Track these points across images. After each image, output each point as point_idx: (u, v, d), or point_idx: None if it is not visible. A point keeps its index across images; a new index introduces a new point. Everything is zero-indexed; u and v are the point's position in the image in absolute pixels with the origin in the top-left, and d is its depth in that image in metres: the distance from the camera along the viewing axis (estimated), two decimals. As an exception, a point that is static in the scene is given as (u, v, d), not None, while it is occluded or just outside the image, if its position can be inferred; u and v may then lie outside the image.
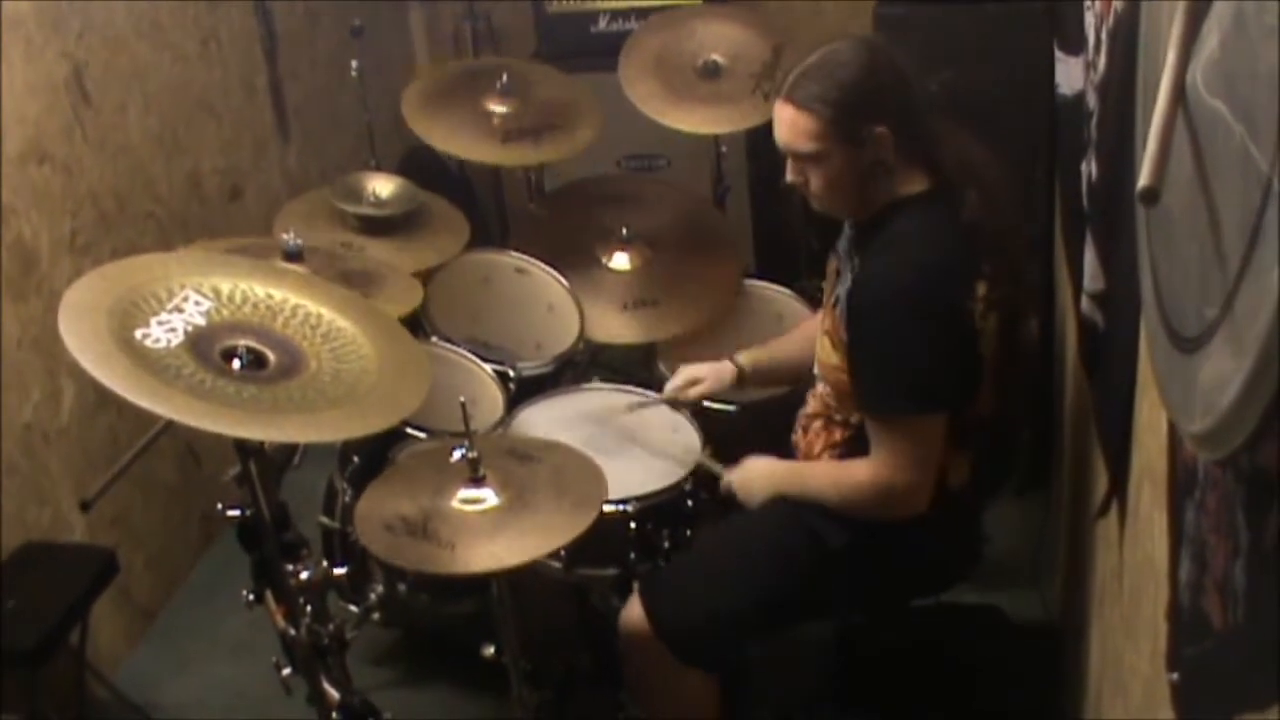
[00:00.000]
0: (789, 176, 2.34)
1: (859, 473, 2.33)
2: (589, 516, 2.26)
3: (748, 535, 2.54)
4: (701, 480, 2.74)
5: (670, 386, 2.87)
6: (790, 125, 2.26)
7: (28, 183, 2.98)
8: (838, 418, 2.45)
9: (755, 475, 2.55)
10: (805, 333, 2.75)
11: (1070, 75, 2.81)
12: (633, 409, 2.93)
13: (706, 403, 2.87)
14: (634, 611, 2.50)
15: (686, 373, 2.85)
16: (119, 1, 3.32)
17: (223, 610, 3.43)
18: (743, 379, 2.80)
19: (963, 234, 2.24)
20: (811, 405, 2.54)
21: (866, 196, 2.31)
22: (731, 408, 2.92)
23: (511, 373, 3.09)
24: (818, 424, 2.50)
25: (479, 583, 2.49)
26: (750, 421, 2.87)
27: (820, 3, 4.50)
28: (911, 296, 2.22)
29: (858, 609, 2.75)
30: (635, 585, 2.58)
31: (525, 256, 3.29)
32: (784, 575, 2.47)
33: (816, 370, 2.51)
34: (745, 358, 2.81)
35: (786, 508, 2.47)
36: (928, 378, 2.24)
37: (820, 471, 2.45)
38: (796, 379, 2.71)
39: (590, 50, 4.19)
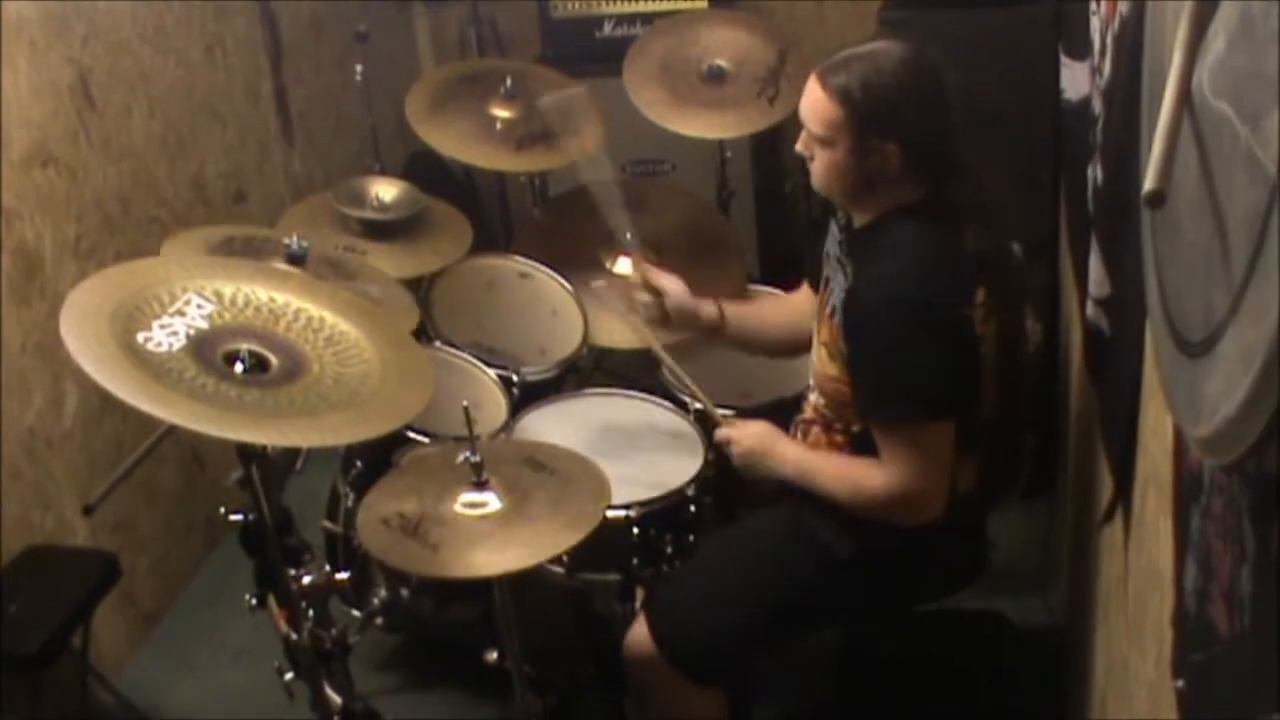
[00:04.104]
0: (798, 145, 2.32)
1: (873, 479, 2.29)
2: (577, 536, 2.23)
3: (751, 549, 2.53)
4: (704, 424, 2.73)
5: (649, 269, 2.77)
6: (812, 102, 2.25)
7: (32, 186, 2.98)
8: (837, 425, 2.44)
9: (764, 447, 2.47)
10: (787, 307, 2.75)
11: (1075, 80, 2.81)
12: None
13: (703, 408, 2.83)
14: (640, 633, 2.49)
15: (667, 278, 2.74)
16: (124, 6, 3.33)
17: (225, 615, 3.43)
18: (722, 322, 2.69)
19: (961, 241, 2.24)
20: (807, 412, 2.53)
21: (861, 196, 2.30)
22: (730, 412, 2.92)
23: (515, 377, 3.09)
24: (816, 429, 2.48)
25: (482, 588, 2.49)
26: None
27: (824, 8, 4.50)
28: (911, 304, 2.20)
29: (863, 617, 2.74)
30: (639, 606, 2.57)
31: (529, 261, 3.29)
32: (790, 589, 2.45)
33: (811, 380, 2.49)
34: (729, 307, 2.73)
35: (788, 519, 2.46)
36: (932, 385, 2.23)
37: (834, 470, 2.39)
38: (763, 349, 2.77)
39: (595, 55, 4.20)
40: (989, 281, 2.24)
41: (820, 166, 2.29)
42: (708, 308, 2.70)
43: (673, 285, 2.70)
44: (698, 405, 2.77)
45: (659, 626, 2.46)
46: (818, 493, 2.37)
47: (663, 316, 2.71)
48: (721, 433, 2.57)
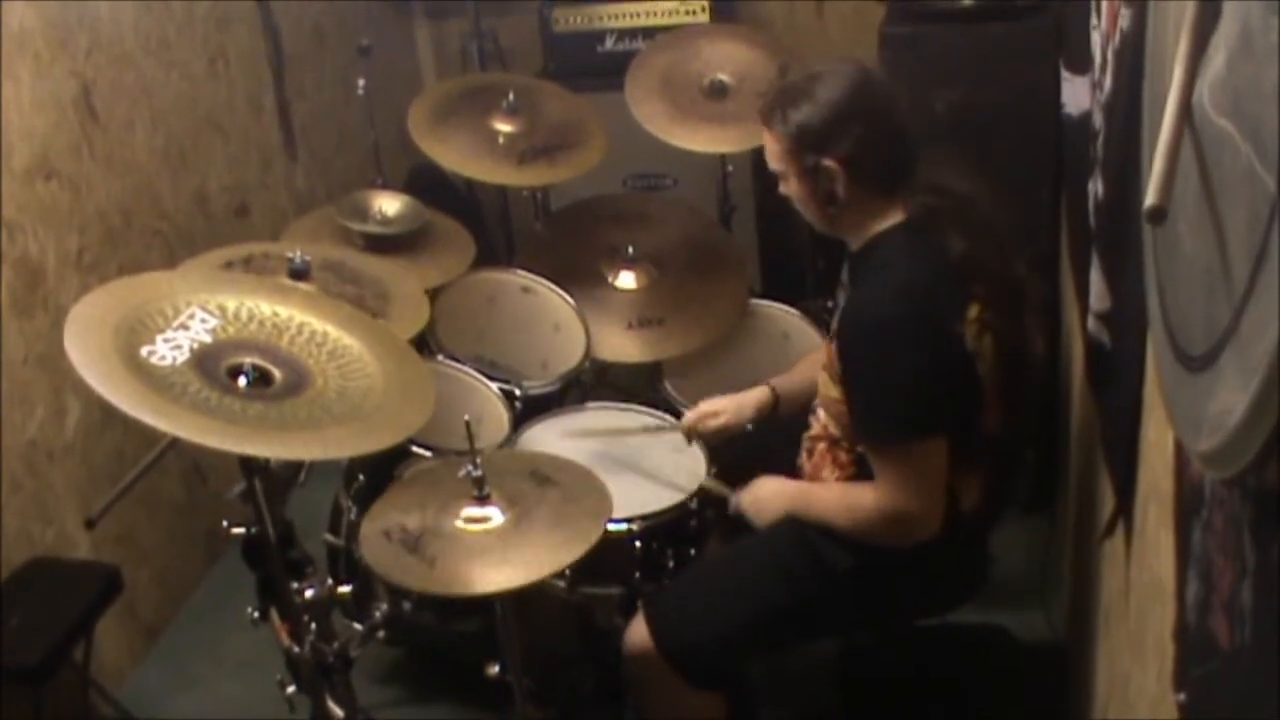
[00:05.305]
0: (780, 188, 2.38)
1: (866, 500, 2.30)
2: (579, 550, 2.23)
3: (751, 555, 2.53)
4: (708, 501, 2.72)
5: (689, 417, 2.82)
6: (765, 141, 2.35)
7: (35, 199, 2.99)
8: (843, 443, 2.45)
9: (766, 495, 2.53)
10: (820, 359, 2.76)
11: (1076, 95, 2.81)
12: (649, 431, 2.91)
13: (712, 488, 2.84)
14: (638, 632, 2.49)
15: (706, 405, 2.80)
16: (127, 19, 3.34)
17: (227, 628, 3.42)
18: (777, 405, 2.76)
19: (948, 258, 2.24)
20: (815, 428, 2.54)
21: (834, 220, 2.34)
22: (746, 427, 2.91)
23: (517, 391, 3.09)
24: (822, 446, 2.49)
25: (484, 601, 2.48)
26: (755, 443, 2.86)
27: (826, 22, 4.52)
28: (895, 324, 2.22)
29: (863, 629, 2.74)
30: (639, 606, 2.57)
31: (531, 275, 3.29)
32: (788, 595, 2.45)
33: (818, 401, 2.51)
34: (779, 382, 2.79)
35: (791, 527, 2.46)
36: (919, 403, 2.24)
37: (829, 496, 2.42)
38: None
39: (597, 69, 4.21)
40: (982, 297, 2.25)
41: (793, 199, 2.36)
42: (761, 396, 2.77)
43: (723, 406, 2.77)
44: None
45: (657, 625, 2.47)
46: (818, 523, 2.40)
47: (728, 429, 2.78)
48: (732, 505, 2.60)
